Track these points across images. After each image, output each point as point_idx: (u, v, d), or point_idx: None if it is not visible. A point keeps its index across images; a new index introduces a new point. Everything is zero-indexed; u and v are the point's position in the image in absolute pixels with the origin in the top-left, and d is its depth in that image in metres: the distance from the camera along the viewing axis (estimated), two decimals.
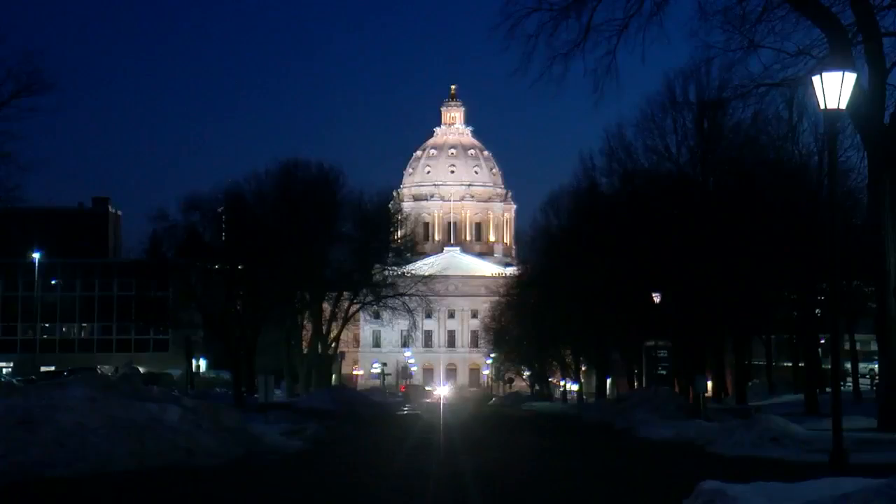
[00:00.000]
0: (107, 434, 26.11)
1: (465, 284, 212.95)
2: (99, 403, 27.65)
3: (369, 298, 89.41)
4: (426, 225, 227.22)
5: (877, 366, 53.83)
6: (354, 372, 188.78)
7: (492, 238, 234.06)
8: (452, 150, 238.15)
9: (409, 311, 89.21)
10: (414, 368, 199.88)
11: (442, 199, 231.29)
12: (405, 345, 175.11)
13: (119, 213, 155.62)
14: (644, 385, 65.55)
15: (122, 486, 22.57)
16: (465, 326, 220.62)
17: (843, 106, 22.54)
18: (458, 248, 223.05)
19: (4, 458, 23.70)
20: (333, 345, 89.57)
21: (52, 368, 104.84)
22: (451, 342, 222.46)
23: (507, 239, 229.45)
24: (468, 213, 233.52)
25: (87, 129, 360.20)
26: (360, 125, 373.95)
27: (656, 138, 58.90)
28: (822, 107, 22.56)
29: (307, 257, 77.60)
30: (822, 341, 63.54)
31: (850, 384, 60.64)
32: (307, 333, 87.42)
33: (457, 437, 42.63)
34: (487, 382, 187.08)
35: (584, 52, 37.41)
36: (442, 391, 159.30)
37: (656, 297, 55.83)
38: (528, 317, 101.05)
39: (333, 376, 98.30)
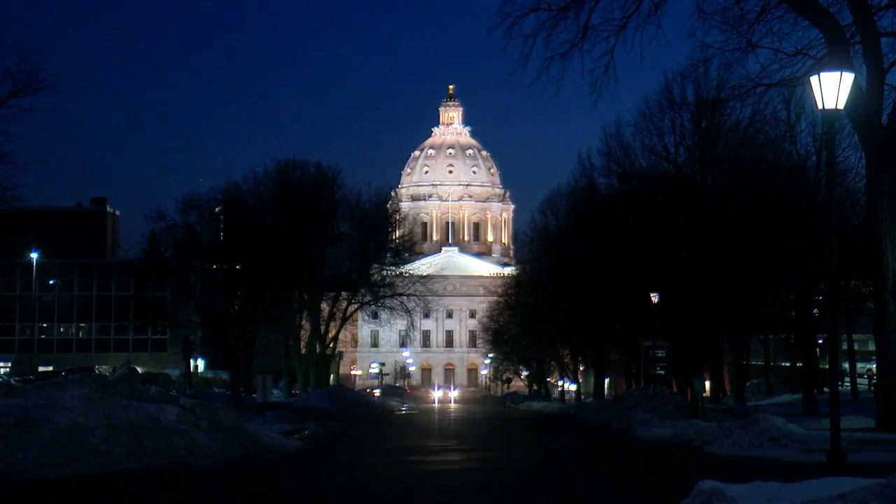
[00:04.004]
0: (105, 434, 26.10)
1: (463, 284, 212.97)
2: (97, 403, 27.65)
3: (367, 298, 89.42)
4: (424, 225, 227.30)
5: (874, 365, 53.80)
6: (353, 372, 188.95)
7: (490, 238, 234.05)
8: (450, 150, 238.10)
9: (408, 311, 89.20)
10: (412, 368, 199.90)
11: (440, 198, 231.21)
12: (403, 345, 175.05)
13: (117, 212, 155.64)
14: (642, 385, 65.53)
15: (121, 486, 22.56)
16: (463, 326, 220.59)
17: (840, 106, 22.52)
18: (456, 248, 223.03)
19: (2, 458, 23.68)
20: (332, 345, 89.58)
21: (50, 368, 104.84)
22: (449, 342, 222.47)
23: (505, 239, 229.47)
24: (466, 212, 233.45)
25: (85, 129, 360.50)
26: (359, 125, 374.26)
27: (654, 138, 58.95)
28: (820, 107, 22.54)
29: (305, 257, 77.56)
30: (820, 341, 63.59)
31: (848, 384, 60.69)
32: (305, 333, 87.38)
33: (453, 437, 42.67)
34: (486, 382, 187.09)
35: (582, 52, 37.39)
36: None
37: (654, 297, 55.84)
38: (526, 317, 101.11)
39: (332, 376, 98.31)
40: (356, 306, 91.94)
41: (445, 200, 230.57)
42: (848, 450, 23.14)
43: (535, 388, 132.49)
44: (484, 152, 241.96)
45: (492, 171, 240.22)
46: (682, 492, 15.73)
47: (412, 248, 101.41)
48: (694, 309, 55.75)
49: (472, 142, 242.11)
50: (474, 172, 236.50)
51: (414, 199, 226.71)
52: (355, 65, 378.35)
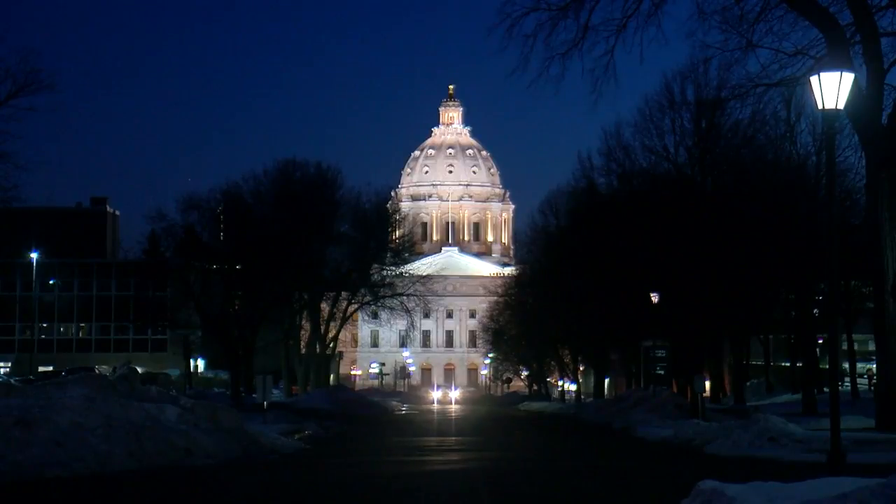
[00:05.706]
0: (105, 434, 26.10)
1: (463, 284, 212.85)
2: (97, 403, 27.65)
3: (367, 298, 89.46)
4: (424, 225, 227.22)
5: (874, 366, 53.84)
6: (352, 372, 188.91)
7: (490, 238, 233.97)
8: (450, 150, 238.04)
9: (408, 311, 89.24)
10: (412, 368, 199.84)
11: (440, 199, 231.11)
12: (403, 345, 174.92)
13: (117, 212, 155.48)
14: (642, 385, 65.54)
15: (121, 486, 22.57)
16: (463, 326, 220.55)
17: (840, 106, 22.50)
18: (456, 248, 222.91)
19: (2, 458, 23.68)
20: (332, 345, 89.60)
21: (50, 368, 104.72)
22: (450, 342, 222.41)
23: (505, 239, 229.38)
24: (466, 212, 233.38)
25: (85, 129, 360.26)
26: (359, 125, 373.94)
27: (654, 138, 59.00)
28: (820, 107, 22.51)
29: (305, 257, 77.60)
30: (820, 341, 63.61)
31: (848, 384, 60.70)
32: (305, 333, 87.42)
33: (452, 438, 42.68)
34: (486, 382, 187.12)
35: (582, 53, 37.32)
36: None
37: (654, 297, 55.86)
38: (526, 317, 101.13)
39: (332, 376, 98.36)
40: (356, 306, 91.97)
41: (445, 200, 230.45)
42: (848, 450, 23.12)
43: (535, 388, 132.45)
44: (484, 152, 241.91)
45: (492, 171, 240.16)
46: (682, 492, 15.73)
47: (412, 248, 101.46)
48: (694, 309, 55.75)
49: (472, 142, 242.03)
50: (474, 172, 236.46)
51: (414, 199, 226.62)
52: (355, 65, 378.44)
